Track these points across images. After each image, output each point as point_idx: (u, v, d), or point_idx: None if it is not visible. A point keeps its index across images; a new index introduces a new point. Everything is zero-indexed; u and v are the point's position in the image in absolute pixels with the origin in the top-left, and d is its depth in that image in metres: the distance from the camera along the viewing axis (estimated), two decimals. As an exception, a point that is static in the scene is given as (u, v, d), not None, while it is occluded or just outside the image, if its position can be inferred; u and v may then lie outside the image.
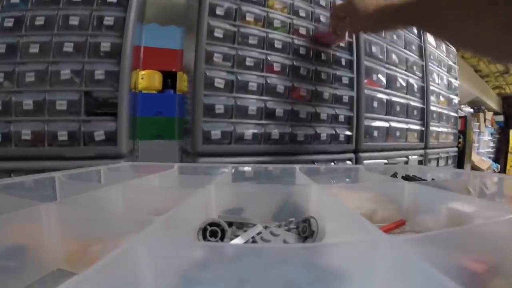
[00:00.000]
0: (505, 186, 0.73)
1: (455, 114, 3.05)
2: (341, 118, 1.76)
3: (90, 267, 0.23)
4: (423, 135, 2.42)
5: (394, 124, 2.10)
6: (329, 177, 1.05)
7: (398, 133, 2.15)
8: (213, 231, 0.44)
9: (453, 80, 3.01)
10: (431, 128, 2.50)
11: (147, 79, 2.22)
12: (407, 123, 2.25)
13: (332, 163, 1.71)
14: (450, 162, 2.93)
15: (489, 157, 6.98)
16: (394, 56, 2.13)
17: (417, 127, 2.37)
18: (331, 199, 0.52)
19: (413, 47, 2.37)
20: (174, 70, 2.34)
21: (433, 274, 0.22)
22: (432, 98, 2.52)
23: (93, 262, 0.23)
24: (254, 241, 0.44)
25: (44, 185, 0.66)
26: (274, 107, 1.49)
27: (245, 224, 0.50)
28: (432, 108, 2.49)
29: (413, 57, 2.34)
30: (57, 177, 0.68)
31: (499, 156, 7.40)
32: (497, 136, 7.86)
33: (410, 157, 2.27)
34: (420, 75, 2.40)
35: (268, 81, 1.47)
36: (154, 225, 0.34)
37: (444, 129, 2.80)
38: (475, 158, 5.18)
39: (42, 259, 0.42)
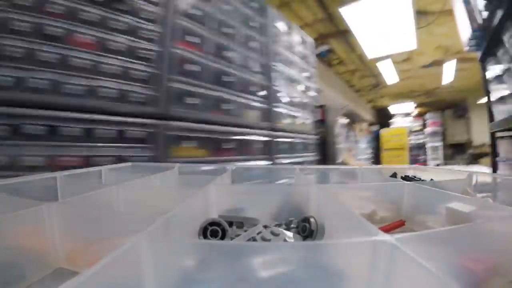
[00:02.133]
0: (504, 186, 0.74)
1: (312, 102, 3.08)
2: (134, 74, 1.48)
3: (92, 267, 0.23)
4: (268, 115, 2.31)
5: (224, 96, 1.89)
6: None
7: (231, 107, 1.93)
8: (213, 231, 0.44)
9: (309, 68, 3.03)
10: (280, 110, 2.44)
11: None
12: (245, 98, 2.08)
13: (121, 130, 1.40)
14: (310, 150, 2.94)
15: (369, 161, 7.92)
16: (224, 26, 1.95)
17: (258, 104, 2.23)
18: (331, 199, 0.52)
19: (254, 24, 2.24)
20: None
21: (432, 273, 0.22)
22: (278, 78, 2.46)
23: (94, 261, 0.24)
24: (254, 240, 0.45)
25: (46, 185, 0.66)
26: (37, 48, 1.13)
27: (246, 223, 0.51)
28: (277, 88, 2.42)
29: (252, 33, 2.21)
30: (58, 177, 0.68)
31: (377, 161, 8.20)
32: (375, 143, 8.71)
33: (251, 136, 2.12)
34: (262, 52, 2.30)
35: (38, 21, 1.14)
36: (156, 224, 0.35)
37: (298, 114, 2.79)
38: (352, 162, 5.68)
39: (44, 259, 0.42)
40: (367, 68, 5.58)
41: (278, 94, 2.47)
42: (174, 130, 1.61)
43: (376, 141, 8.63)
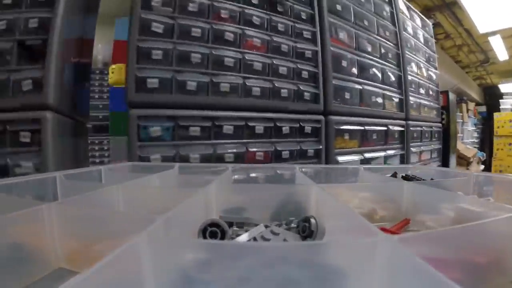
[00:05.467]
0: (504, 186, 0.74)
1: (436, 88, 2.98)
2: (305, 74, 1.65)
3: (92, 266, 0.23)
4: (403, 105, 2.33)
5: (368, 88, 1.99)
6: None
7: (374, 99, 2.04)
8: (213, 232, 0.44)
9: (431, 53, 2.95)
10: (411, 98, 2.42)
11: (117, 73, 2.04)
12: (383, 89, 2.14)
13: (298, 124, 1.61)
14: (435, 138, 2.87)
15: (474, 147, 6.83)
16: (362, 18, 2.03)
17: (395, 95, 2.27)
18: (331, 199, 0.52)
19: (384, 13, 2.29)
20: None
21: (432, 273, 0.22)
22: (410, 68, 2.44)
23: (95, 261, 0.24)
24: (255, 240, 0.44)
25: (45, 185, 0.66)
26: (223, 56, 1.36)
27: (246, 223, 0.51)
28: (410, 77, 2.42)
29: (384, 22, 2.26)
30: (58, 176, 0.68)
31: (484, 146, 7.38)
32: (481, 126, 7.85)
33: (390, 127, 2.17)
34: (394, 42, 2.34)
35: (215, 27, 1.36)
36: (156, 224, 0.35)
37: (426, 102, 2.73)
38: (460, 146, 5.18)
39: (44, 258, 0.42)
40: (475, 42, 5.06)
41: (410, 83, 2.45)
42: (335, 124, 1.74)
43: (483, 124, 7.65)
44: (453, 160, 3.86)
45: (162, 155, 1.23)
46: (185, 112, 1.27)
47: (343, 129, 1.82)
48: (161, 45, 1.25)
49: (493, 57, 5.69)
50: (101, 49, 2.98)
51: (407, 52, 2.41)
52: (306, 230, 0.46)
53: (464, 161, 4.98)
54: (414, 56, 2.56)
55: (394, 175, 0.95)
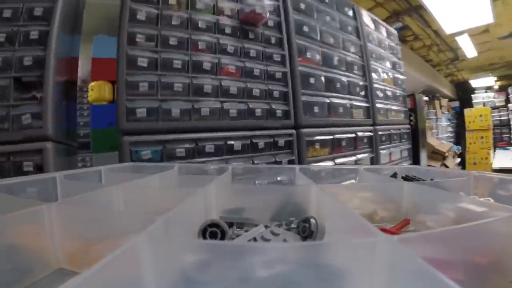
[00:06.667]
0: (504, 186, 0.73)
1: (403, 92, 3.17)
2: (276, 93, 1.84)
3: (92, 266, 0.23)
4: (370, 112, 2.51)
5: (335, 100, 2.18)
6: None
7: (341, 110, 2.22)
8: (213, 232, 0.44)
9: (396, 60, 3.14)
10: (378, 105, 2.61)
11: (97, 91, 2.12)
12: (350, 99, 2.33)
13: (272, 139, 1.79)
14: (404, 139, 3.04)
15: (450, 141, 7.08)
16: (328, 36, 2.22)
17: (362, 104, 2.46)
18: (331, 199, 0.52)
19: (349, 29, 2.49)
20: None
21: (432, 273, 0.22)
22: (375, 76, 2.64)
23: (95, 261, 0.24)
24: (255, 241, 0.44)
25: (46, 185, 0.66)
26: (202, 83, 1.54)
27: (246, 224, 0.51)
28: (376, 85, 2.61)
29: (350, 37, 2.45)
30: (58, 177, 0.68)
31: (459, 140, 7.53)
32: (455, 121, 8.06)
33: (358, 133, 2.35)
34: (360, 54, 2.52)
35: (194, 58, 1.54)
36: (156, 224, 0.35)
37: (393, 106, 2.91)
38: (434, 142, 5.32)
39: (45, 259, 0.42)
40: (444, 42, 5.25)
41: (376, 91, 2.63)
42: (306, 136, 1.94)
43: (457, 119, 7.86)
44: (423, 157, 4.11)
45: None
46: (171, 136, 1.44)
47: (314, 139, 2.00)
48: (147, 78, 1.42)
49: (462, 54, 5.84)
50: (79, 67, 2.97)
51: (372, 62, 2.62)
52: (306, 231, 0.46)
53: (439, 156, 5.12)
54: (380, 65, 2.77)
55: (394, 175, 0.95)
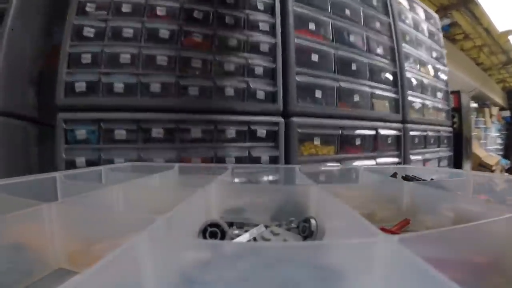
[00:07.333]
0: (504, 186, 0.74)
1: (445, 87, 2.56)
2: (259, 70, 1.43)
3: (92, 266, 0.23)
4: (399, 105, 1.97)
5: (348, 85, 1.67)
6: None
7: (357, 98, 1.71)
8: (213, 232, 0.44)
9: (437, 48, 2.55)
10: (411, 98, 2.06)
11: None
12: (371, 87, 1.81)
13: (247, 127, 1.39)
14: (444, 144, 2.49)
15: (498, 154, 6.46)
16: (343, 7, 1.76)
17: (389, 94, 1.93)
18: (331, 199, 0.52)
19: (374, 2, 1.97)
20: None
21: (432, 273, 0.22)
22: (409, 64, 2.12)
23: (95, 261, 0.24)
24: (255, 240, 0.44)
25: (45, 185, 0.66)
26: (154, 54, 1.27)
27: (246, 224, 0.51)
28: (408, 74, 2.07)
29: (374, 12, 1.95)
30: (58, 177, 0.68)
31: (508, 153, 6.83)
32: (505, 132, 7.34)
33: (380, 130, 1.82)
34: (388, 33, 2.02)
35: (148, 26, 1.29)
36: (156, 224, 0.35)
37: (430, 102, 2.33)
38: (481, 153, 4.87)
39: (45, 259, 0.42)
40: (496, 43, 4.83)
41: (409, 80, 2.09)
42: (298, 127, 1.49)
43: (507, 130, 7.17)
44: (467, 168, 3.36)
45: (87, 158, 1.24)
46: (108, 115, 1.24)
47: (312, 133, 1.57)
48: (90, 49, 1.25)
49: None
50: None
51: (405, 46, 2.11)
52: (306, 230, 0.46)
53: (486, 169, 4.60)
54: (415, 51, 2.25)
55: (394, 175, 0.95)
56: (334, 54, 1.68)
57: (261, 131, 1.43)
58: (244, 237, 0.44)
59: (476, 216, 0.48)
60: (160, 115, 1.29)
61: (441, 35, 2.71)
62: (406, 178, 0.89)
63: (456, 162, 2.92)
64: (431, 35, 2.54)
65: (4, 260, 0.37)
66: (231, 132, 1.39)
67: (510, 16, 3.46)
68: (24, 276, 0.39)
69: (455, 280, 0.20)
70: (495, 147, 6.70)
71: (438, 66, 2.53)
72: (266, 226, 0.48)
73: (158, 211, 0.40)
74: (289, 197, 0.61)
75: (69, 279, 0.21)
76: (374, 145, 1.85)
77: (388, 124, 1.93)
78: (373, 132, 1.83)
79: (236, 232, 0.47)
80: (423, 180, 0.85)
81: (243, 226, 0.50)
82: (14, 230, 0.40)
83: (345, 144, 1.70)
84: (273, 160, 1.48)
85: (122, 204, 0.60)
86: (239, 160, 1.41)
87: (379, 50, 1.95)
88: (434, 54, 2.55)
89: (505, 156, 6.73)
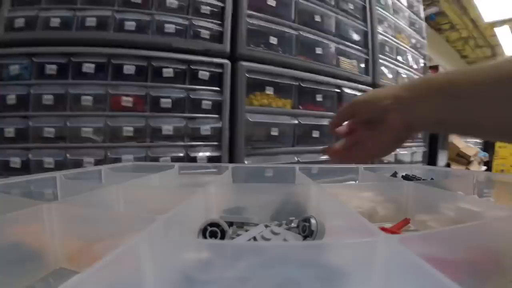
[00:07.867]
0: (504, 186, 0.74)
1: (422, 59, 2.43)
2: (205, 9, 1.33)
3: (92, 266, 0.23)
4: (368, 67, 1.82)
5: (309, 36, 1.54)
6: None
7: (319, 51, 1.57)
8: (213, 232, 0.44)
9: (416, 18, 2.43)
10: (382, 62, 1.91)
11: None
12: (338, 43, 1.68)
13: (186, 66, 1.27)
14: None
15: (478, 147, 6.41)
16: None
17: (357, 53, 1.78)
18: (331, 199, 0.52)
19: None
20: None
21: (432, 273, 0.22)
22: (382, 27, 1.98)
23: (95, 261, 0.24)
24: (255, 240, 0.44)
25: (45, 185, 0.66)
26: None
27: (246, 223, 0.51)
28: (381, 37, 1.92)
29: None
30: (58, 176, 0.68)
31: (487, 147, 6.74)
32: None
33: (345, 90, 1.66)
34: None
35: None
36: (156, 224, 0.35)
37: (406, 71, 2.21)
38: (460, 143, 4.91)
39: (45, 258, 0.42)
40: (482, 35, 4.85)
41: (382, 44, 1.96)
42: (248, 72, 1.36)
43: None
44: (443, 157, 3.18)
45: (17, 93, 1.21)
46: (41, 49, 1.20)
47: (264, 80, 1.42)
48: None
49: (500, 52, 5.45)
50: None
51: (377, 7, 1.99)
52: (306, 230, 0.46)
53: (464, 159, 4.75)
54: (391, 16, 2.14)
55: (394, 174, 0.95)
56: (294, 2, 1.56)
57: (203, 73, 1.32)
58: (244, 237, 0.44)
59: (477, 216, 0.48)
60: (93, 49, 1.23)
61: (421, 7, 2.62)
62: (406, 177, 0.90)
63: (431, 148, 2.84)
64: (410, 5, 2.44)
65: (4, 259, 0.37)
66: (168, 71, 1.29)
67: (498, 7, 3.35)
68: (24, 276, 0.39)
69: (456, 280, 0.20)
70: (476, 140, 6.64)
71: (417, 37, 2.43)
72: (266, 226, 0.48)
73: (158, 211, 0.40)
74: (289, 197, 0.61)
75: (69, 279, 0.21)
76: (338, 105, 1.72)
77: (355, 85, 1.79)
78: (337, 90, 1.70)
79: (236, 231, 0.47)
80: (423, 179, 0.86)
81: (243, 226, 0.50)
82: (14, 230, 0.40)
83: (304, 99, 1.58)
84: (217, 105, 1.36)
85: (122, 204, 0.60)
86: (177, 102, 1.31)
87: (349, 7, 1.82)
88: (412, 24, 2.43)
89: (484, 149, 6.74)
